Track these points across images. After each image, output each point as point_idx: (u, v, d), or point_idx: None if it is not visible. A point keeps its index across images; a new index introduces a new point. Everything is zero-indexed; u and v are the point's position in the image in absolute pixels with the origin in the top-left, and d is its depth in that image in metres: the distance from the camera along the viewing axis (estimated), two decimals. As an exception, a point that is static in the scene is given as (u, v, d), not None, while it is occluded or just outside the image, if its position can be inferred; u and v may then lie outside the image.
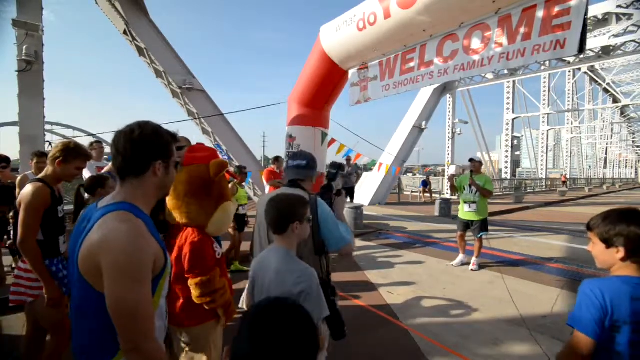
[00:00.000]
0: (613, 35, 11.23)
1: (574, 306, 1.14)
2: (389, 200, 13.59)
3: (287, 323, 0.67)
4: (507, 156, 23.05)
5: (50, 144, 6.27)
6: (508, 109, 21.35)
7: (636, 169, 59.53)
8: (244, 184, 5.27)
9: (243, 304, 1.62)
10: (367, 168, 16.04)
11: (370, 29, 5.82)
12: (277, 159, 5.82)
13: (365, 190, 13.08)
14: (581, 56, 12.22)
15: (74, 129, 55.66)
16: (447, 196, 10.82)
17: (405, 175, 21.32)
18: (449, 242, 6.56)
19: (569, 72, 27.20)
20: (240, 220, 4.92)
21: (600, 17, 11.67)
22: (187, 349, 1.71)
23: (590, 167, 45.79)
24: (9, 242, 3.82)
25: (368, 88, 6.91)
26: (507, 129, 21.65)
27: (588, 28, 5.22)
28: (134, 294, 0.91)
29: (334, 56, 6.83)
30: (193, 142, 2.15)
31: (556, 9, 4.03)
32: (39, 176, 2.05)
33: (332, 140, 7.56)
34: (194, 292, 1.61)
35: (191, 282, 1.61)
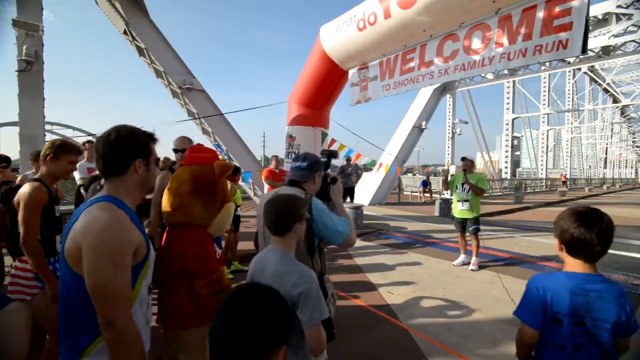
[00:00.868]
0: (613, 35, 11.26)
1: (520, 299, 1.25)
2: (389, 200, 13.59)
3: (258, 305, 0.73)
4: (507, 156, 23.09)
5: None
6: (508, 109, 21.37)
7: (636, 169, 59.54)
8: (243, 184, 5.27)
9: None
10: (367, 168, 16.01)
11: (370, 29, 5.82)
12: (275, 158, 5.85)
13: (365, 190, 13.08)
14: (581, 56, 12.23)
15: (74, 129, 55.74)
16: (447, 196, 10.81)
17: (405, 175, 21.29)
18: (449, 242, 6.56)
19: (569, 72, 27.24)
20: (236, 221, 4.91)
21: (600, 17, 11.68)
22: (184, 354, 1.67)
23: (590, 167, 45.84)
24: None
25: (368, 88, 6.92)
26: (507, 129, 21.69)
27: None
28: (108, 274, 0.98)
29: (334, 56, 6.83)
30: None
31: (557, 9, 4.03)
32: (35, 176, 2.07)
33: (333, 140, 7.58)
34: (202, 292, 1.59)
35: (198, 282, 1.59)
